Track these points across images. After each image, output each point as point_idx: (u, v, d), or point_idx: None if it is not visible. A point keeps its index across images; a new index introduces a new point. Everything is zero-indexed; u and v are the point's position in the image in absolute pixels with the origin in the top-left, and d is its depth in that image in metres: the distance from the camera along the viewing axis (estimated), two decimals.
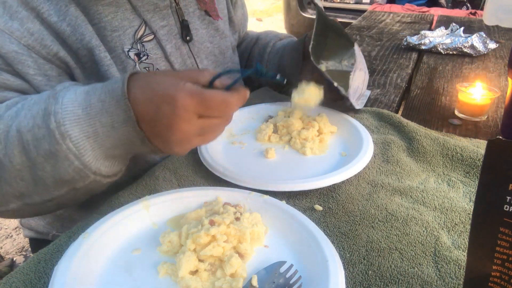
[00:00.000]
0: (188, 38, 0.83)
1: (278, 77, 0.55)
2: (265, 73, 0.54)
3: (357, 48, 0.85)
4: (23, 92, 0.65)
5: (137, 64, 0.74)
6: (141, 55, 0.75)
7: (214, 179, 0.70)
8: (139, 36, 0.74)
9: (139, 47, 0.74)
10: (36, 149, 0.53)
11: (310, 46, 0.79)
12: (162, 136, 0.53)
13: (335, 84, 0.78)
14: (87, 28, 0.68)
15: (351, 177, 0.69)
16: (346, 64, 0.87)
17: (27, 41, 0.63)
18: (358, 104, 0.89)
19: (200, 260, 0.51)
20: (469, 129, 0.91)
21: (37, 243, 0.93)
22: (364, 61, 0.92)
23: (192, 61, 0.85)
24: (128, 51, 0.73)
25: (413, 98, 1.08)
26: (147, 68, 0.76)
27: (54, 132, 0.52)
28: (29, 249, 1.06)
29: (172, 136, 0.52)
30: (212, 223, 0.53)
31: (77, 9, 0.67)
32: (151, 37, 0.76)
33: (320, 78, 0.80)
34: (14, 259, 1.84)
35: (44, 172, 0.55)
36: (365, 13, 2.18)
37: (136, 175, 0.76)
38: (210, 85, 0.53)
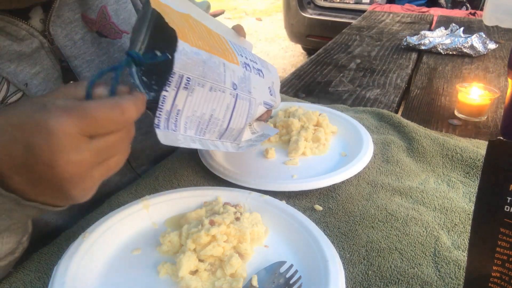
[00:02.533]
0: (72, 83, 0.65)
1: (159, 54, 0.44)
2: (144, 57, 0.44)
3: (191, 52, 0.48)
4: None
5: None
6: None
7: (214, 179, 0.70)
8: (0, 99, 0.58)
9: None
10: None
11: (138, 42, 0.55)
12: (46, 182, 0.39)
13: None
14: None
15: (351, 177, 0.69)
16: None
17: None
18: (230, 144, 0.60)
19: (200, 260, 0.51)
20: (469, 129, 0.91)
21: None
22: (245, 74, 0.58)
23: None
24: None
25: (413, 98, 1.08)
26: None
27: None
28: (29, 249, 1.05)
29: (60, 177, 0.38)
30: (212, 223, 0.53)
31: None
32: (19, 95, 0.59)
33: None
34: None
35: None
36: (365, 13, 2.18)
37: (136, 175, 0.76)
38: (89, 97, 0.42)
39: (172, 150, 0.81)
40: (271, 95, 0.63)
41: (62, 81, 0.64)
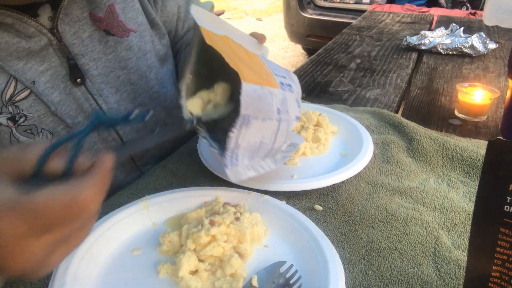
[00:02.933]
0: (78, 80, 0.65)
1: (133, 115, 0.40)
2: (116, 119, 0.40)
3: (250, 90, 0.49)
4: None
5: (13, 129, 0.61)
6: (16, 118, 0.60)
7: (214, 179, 0.70)
8: (8, 96, 0.59)
9: (11, 110, 0.59)
10: None
11: (184, 81, 0.58)
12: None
13: (209, 143, 0.56)
14: None
15: (351, 177, 0.69)
16: (221, 114, 0.57)
17: None
18: (271, 162, 0.62)
19: (200, 260, 0.51)
20: (469, 129, 0.91)
21: None
22: (283, 94, 0.58)
23: (91, 103, 0.67)
24: None
25: (413, 98, 1.08)
26: (28, 131, 0.62)
27: None
28: None
29: (11, 273, 0.35)
30: (212, 223, 0.53)
31: None
32: (26, 93, 0.60)
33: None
34: None
35: None
36: (365, 13, 2.18)
37: (140, 174, 0.77)
38: (41, 166, 0.35)
39: (177, 147, 0.81)
40: (298, 107, 0.64)
41: (69, 78, 0.64)
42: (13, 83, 0.59)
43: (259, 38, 0.70)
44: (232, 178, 0.50)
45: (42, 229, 0.34)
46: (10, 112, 0.59)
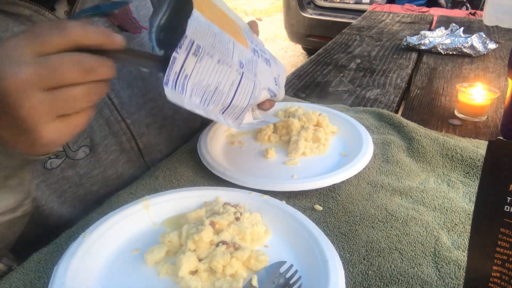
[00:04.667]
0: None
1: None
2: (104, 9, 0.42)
3: (203, 23, 0.51)
4: None
5: None
6: None
7: (214, 179, 0.70)
8: None
9: None
10: None
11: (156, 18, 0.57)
12: (12, 129, 0.41)
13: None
14: None
15: (351, 177, 0.69)
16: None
17: None
18: (232, 121, 0.62)
19: (200, 260, 0.51)
20: (469, 129, 0.91)
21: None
22: (254, 59, 0.61)
23: (103, 97, 0.68)
24: None
25: (413, 98, 1.08)
26: None
27: None
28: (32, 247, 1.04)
29: (8, 90, 0.38)
30: (212, 224, 0.53)
31: None
32: None
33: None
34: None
35: None
36: (365, 13, 2.18)
37: (136, 175, 0.77)
38: None
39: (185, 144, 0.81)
40: (275, 84, 0.65)
41: None
42: None
43: (252, 25, 0.71)
44: (170, 97, 0.49)
45: (44, 82, 0.38)
46: None
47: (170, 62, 0.49)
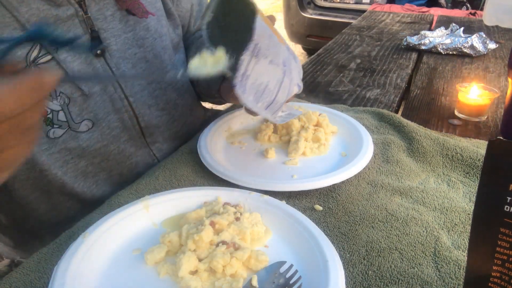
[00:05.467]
0: (99, 52, 0.70)
1: (80, 40, 0.44)
2: (59, 38, 0.38)
3: (263, 26, 0.57)
4: None
5: None
6: None
7: (214, 179, 0.70)
8: (32, 58, 0.63)
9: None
10: None
11: (206, 19, 0.61)
12: None
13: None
14: None
15: (351, 177, 0.69)
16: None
17: None
18: (271, 115, 0.66)
19: (200, 260, 0.51)
20: (469, 129, 0.91)
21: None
22: (289, 56, 0.66)
23: (109, 74, 0.73)
24: None
25: (413, 98, 1.08)
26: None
27: None
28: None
29: None
30: (212, 224, 0.53)
31: None
32: (48, 58, 0.64)
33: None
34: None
35: None
36: (365, 13, 2.18)
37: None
38: None
39: (186, 130, 0.83)
40: (300, 79, 0.70)
41: (91, 50, 0.69)
42: (38, 47, 0.63)
43: (271, 19, 0.77)
44: (241, 99, 0.55)
45: None
46: None
47: (238, 65, 0.54)
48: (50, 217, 0.75)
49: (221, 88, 0.80)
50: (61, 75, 0.37)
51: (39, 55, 0.63)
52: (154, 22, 0.78)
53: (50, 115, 0.66)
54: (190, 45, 0.92)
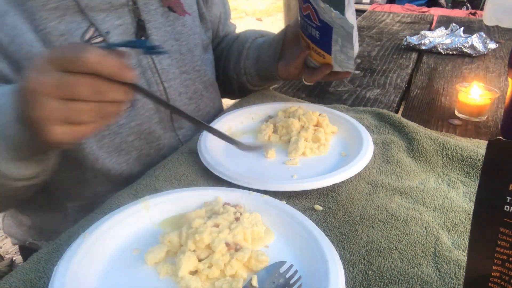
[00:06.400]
0: (142, 38, 0.79)
1: (161, 48, 0.55)
2: (147, 45, 0.52)
3: None
4: None
5: None
6: None
7: (214, 179, 0.70)
8: (86, 38, 0.71)
9: None
10: None
11: None
12: (23, 95, 0.48)
13: (336, 17, 0.69)
14: (27, 37, 0.66)
15: (351, 177, 0.69)
16: None
17: None
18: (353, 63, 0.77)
19: (200, 260, 0.51)
20: (469, 129, 0.91)
21: (25, 250, 0.94)
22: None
23: (148, 61, 0.80)
24: None
25: (413, 98, 1.08)
26: None
27: None
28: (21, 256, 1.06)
29: (26, 90, 0.47)
30: (212, 224, 0.53)
31: (16, 18, 0.65)
32: (100, 39, 0.73)
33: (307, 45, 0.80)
34: (14, 258, 1.84)
35: None
36: (365, 13, 2.18)
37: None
38: None
39: (207, 120, 0.89)
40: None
41: (136, 36, 0.78)
42: (93, 29, 0.72)
43: None
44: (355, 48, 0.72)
45: (59, 63, 0.45)
46: None
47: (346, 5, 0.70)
48: (78, 191, 0.79)
49: (278, 65, 0.88)
50: (134, 84, 0.50)
51: (93, 35, 0.72)
52: (190, 21, 0.88)
53: None
54: (228, 46, 1.04)
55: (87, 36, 0.71)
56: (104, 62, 0.46)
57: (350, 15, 0.73)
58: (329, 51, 0.77)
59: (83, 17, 0.71)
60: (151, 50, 0.53)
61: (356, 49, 0.78)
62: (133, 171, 0.80)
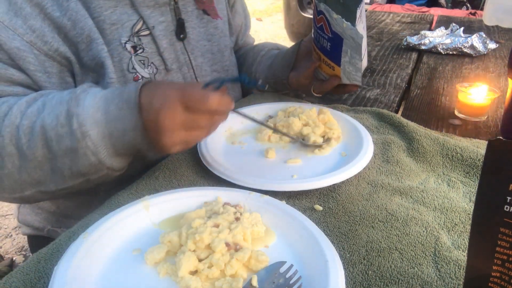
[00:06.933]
0: (182, 36, 0.85)
1: (259, 82, 0.61)
2: (247, 81, 0.62)
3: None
4: (28, 87, 0.71)
5: (132, 56, 0.78)
6: (137, 48, 0.78)
7: (214, 179, 0.70)
8: (136, 30, 0.78)
9: (135, 40, 0.78)
10: (58, 144, 0.61)
11: None
12: (155, 125, 0.58)
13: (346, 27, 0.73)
14: (87, 22, 0.71)
15: (351, 177, 0.69)
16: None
17: (29, 38, 0.68)
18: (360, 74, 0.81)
19: (200, 260, 0.51)
20: (469, 129, 0.91)
21: (35, 241, 0.96)
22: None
23: (185, 57, 0.87)
24: (125, 43, 0.77)
25: (413, 98, 1.08)
26: (142, 61, 0.80)
27: (76, 132, 0.60)
28: (29, 248, 1.07)
29: (160, 124, 0.57)
30: (212, 224, 0.53)
31: (77, 4, 0.71)
32: (147, 32, 0.79)
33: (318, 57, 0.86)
34: (14, 258, 1.84)
35: (63, 164, 0.62)
36: None
37: (136, 175, 0.77)
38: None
39: None
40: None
41: (175, 33, 0.85)
42: (141, 22, 0.78)
43: None
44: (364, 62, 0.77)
45: (185, 103, 0.57)
46: (134, 42, 0.78)
47: (357, 15, 0.76)
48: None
49: (290, 76, 0.93)
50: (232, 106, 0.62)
51: (141, 28, 0.78)
52: (221, 24, 0.96)
53: (140, 80, 0.79)
54: (244, 53, 1.11)
55: (136, 28, 0.78)
56: (221, 106, 0.59)
57: (361, 29, 0.77)
58: (338, 63, 0.80)
59: (133, 10, 0.77)
60: (251, 84, 0.64)
61: (365, 62, 0.81)
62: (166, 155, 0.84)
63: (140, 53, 0.79)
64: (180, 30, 0.85)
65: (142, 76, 0.79)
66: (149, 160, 0.81)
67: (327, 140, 0.80)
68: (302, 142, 0.79)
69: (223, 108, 0.60)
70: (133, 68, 0.78)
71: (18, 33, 0.67)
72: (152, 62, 0.81)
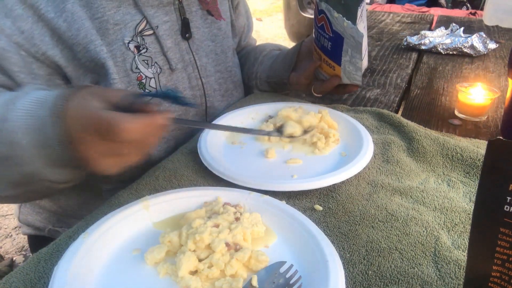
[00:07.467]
0: (187, 35, 0.86)
1: (188, 101, 0.55)
2: (177, 97, 0.52)
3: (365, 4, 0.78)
4: (9, 89, 0.68)
5: (136, 56, 0.77)
6: (140, 48, 0.78)
7: (214, 179, 0.70)
8: (139, 30, 0.78)
9: (139, 40, 0.78)
10: None
11: None
12: (79, 155, 0.52)
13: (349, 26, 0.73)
14: (83, 24, 0.70)
15: (351, 177, 0.69)
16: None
17: (17, 39, 0.67)
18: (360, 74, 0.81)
19: (200, 260, 0.51)
20: (469, 129, 0.91)
21: (35, 241, 0.96)
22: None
23: (190, 57, 0.87)
24: (128, 43, 0.77)
25: (413, 98, 1.08)
26: (145, 61, 0.79)
27: (7, 139, 0.54)
28: (29, 248, 1.07)
29: (82, 154, 0.51)
30: (212, 224, 0.53)
31: (74, 5, 0.70)
32: (151, 32, 0.79)
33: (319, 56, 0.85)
34: (14, 258, 1.84)
35: (0, 172, 0.57)
36: None
37: (136, 175, 0.77)
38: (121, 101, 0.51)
39: None
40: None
41: (180, 32, 0.85)
42: (145, 22, 0.78)
43: None
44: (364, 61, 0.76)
45: (98, 134, 0.48)
46: (137, 42, 0.78)
47: (357, 13, 0.74)
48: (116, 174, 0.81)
49: (290, 76, 0.94)
50: (170, 120, 0.52)
51: (145, 28, 0.78)
52: (224, 25, 0.96)
53: (144, 80, 0.79)
54: (246, 53, 1.11)
55: (140, 28, 0.78)
56: (136, 134, 0.48)
57: (362, 28, 0.77)
58: (339, 62, 0.80)
59: (137, 10, 0.77)
60: (180, 101, 0.53)
61: (365, 63, 0.81)
62: (168, 156, 0.82)
63: (144, 53, 0.79)
64: (185, 30, 0.85)
65: (146, 76, 0.79)
66: (149, 160, 0.82)
67: (305, 132, 0.80)
68: (276, 134, 0.78)
69: (142, 135, 0.49)
70: (137, 68, 0.78)
71: (5, 34, 0.66)
72: (156, 62, 0.81)
